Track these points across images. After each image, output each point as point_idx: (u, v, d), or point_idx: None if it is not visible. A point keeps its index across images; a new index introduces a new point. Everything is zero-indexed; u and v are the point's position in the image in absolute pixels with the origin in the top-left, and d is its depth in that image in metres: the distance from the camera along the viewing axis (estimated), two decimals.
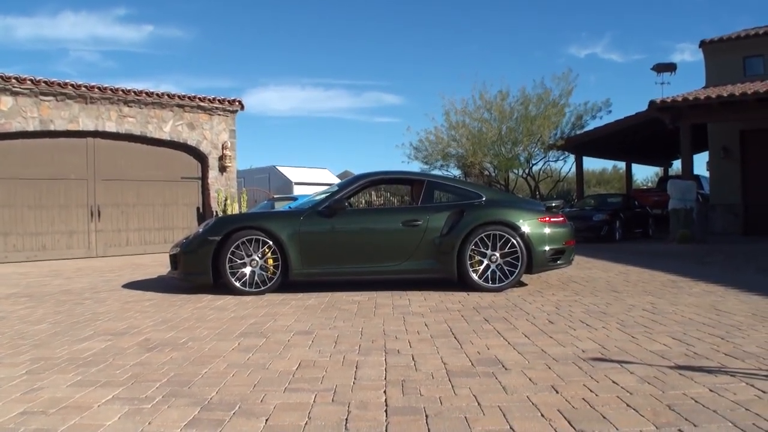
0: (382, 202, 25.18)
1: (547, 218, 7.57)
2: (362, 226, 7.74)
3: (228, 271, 7.32)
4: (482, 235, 7.32)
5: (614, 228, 16.91)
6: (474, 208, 7.53)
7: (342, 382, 3.62)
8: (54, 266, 12.18)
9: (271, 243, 7.38)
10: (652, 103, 16.10)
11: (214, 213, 16.41)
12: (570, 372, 3.74)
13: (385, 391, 3.41)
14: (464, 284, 7.42)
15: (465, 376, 3.70)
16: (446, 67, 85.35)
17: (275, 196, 21.27)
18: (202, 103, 16.64)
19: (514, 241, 7.31)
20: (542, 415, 2.98)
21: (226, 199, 16.70)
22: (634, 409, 3.04)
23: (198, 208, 16.78)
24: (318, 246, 7.49)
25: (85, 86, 14.46)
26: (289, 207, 9.65)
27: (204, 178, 16.92)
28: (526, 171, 25.19)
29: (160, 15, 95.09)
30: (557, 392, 3.34)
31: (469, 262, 7.30)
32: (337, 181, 26.28)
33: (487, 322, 5.41)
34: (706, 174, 21.05)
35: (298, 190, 25.91)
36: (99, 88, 14.67)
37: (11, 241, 13.54)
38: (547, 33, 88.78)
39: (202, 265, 7.45)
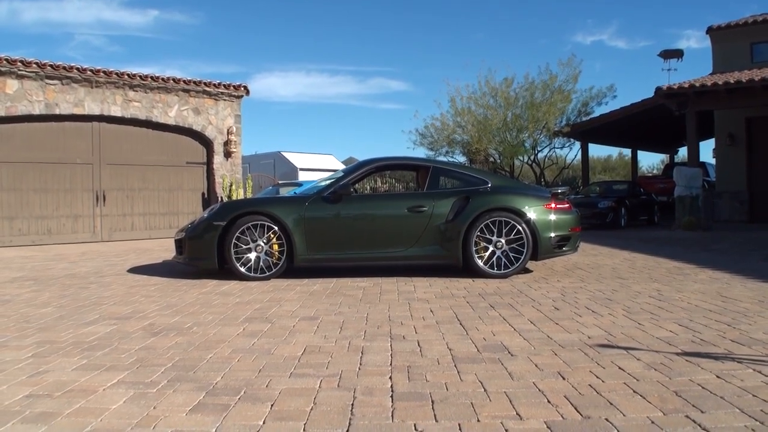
0: (387, 188, 25.16)
1: (553, 205, 7.54)
2: (367, 212, 7.72)
3: (233, 256, 7.32)
4: (488, 221, 7.30)
5: (620, 215, 16.89)
6: (479, 194, 7.50)
7: (347, 367, 3.61)
8: (59, 250, 12.20)
9: (276, 228, 7.37)
10: (658, 90, 16.03)
11: (219, 198, 16.43)
12: (576, 358, 3.73)
13: (390, 377, 3.41)
14: (469, 271, 7.41)
15: (471, 362, 3.69)
16: (452, 54, 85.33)
17: (280, 182, 21.31)
18: (207, 88, 16.61)
19: (520, 228, 7.29)
20: (549, 401, 2.97)
21: (231, 185, 16.71)
22: (640, 396, 3.03)
23: (203, 194, 16.78)
24: (323, 232, 7.48)
25: (91, 70, 14.43)
26: (295, 192, 9.64)
27: (209, 163, 16.91)
28: (532, 158, 25.16)
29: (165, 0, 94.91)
30: (563, 378, 3.33)
31: (474, 249, 7.28)
32: (342, 167, 26.25)
33: (493, 309, 5.40)
34: (713, 161, 20.98)
35: (303, 176, 25.91)
36: (104, 72, 14.65)
37: (16, 224, 13.57)
38: (553, 20, 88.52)
39: (207, 250, 7.44)
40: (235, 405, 2.99)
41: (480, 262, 7.30)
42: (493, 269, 7.30)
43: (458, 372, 3.48)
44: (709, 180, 20.38)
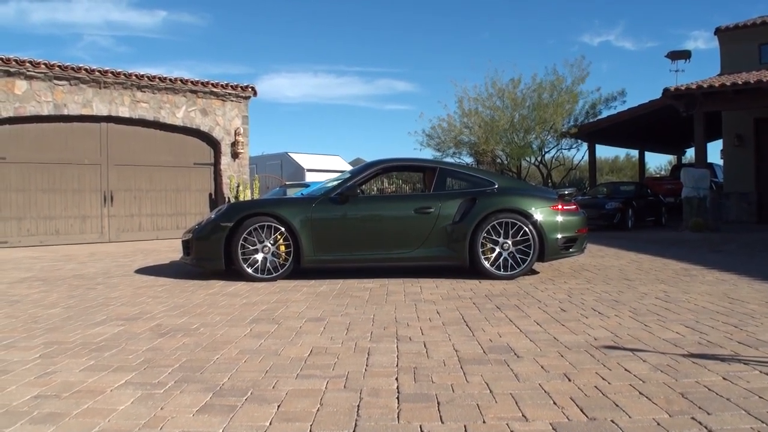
0: (394, 189, 25.16)
1: (560, 206, 7.54)
2: (374, 213, 7.73)
3: (240, 257, 7.34)
4: (494, 222, 7.29)
5: (627, 216, 16.85)
6: (486, 195, 7.50)
7: (354, 368, 3.62)
8: (67, 251, 12.25)
9: (283, 229, 7.38)
10: (666, 91, 15.99)
11: (227, 199, 16.44)
12: (582, 360, 3.73)
13: (396, 378, 3.41)
14: (476, 272, 7.40)
15: (477, 363, 3.70)
16: (458, 54, 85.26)
17: (287, 183, 21.31)
18: (215, 89, 16.64)
19: (527, 229, 7.28)
20: (554, 403, 2.98)
21: (238, 186, 16.72)
22: (646, 397, 3.03)
23: (210, 194, 16.81)
24: (330, 233, 7.49)
25: (99, 71, 14.48)
26: (302, 194, 9.65)
27: (216, 164, 16.93)
28: (539, 159, 25.11)
29: (173, 0, 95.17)
30: (569, 380, 3.33)
31: (481, 250, 7.28)
32: (349, 168, 26.25)
33: (499, 310, 5.40)
34: (720, 162, 20.91)
35: (310, 177, 25.91)
36: (112, 73, 14.69)
37: (25, 225, 13.62)
38: (560, 21, 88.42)
39: (214, 251, 7.46)
40: (242, 406, 3.00)
41: (486, 264, 7.30)
42: (500, 270, 7.30)
43: (464, 373, 3.49)
44: (716, 181, 20.31)
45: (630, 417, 2.78)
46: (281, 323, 4.96)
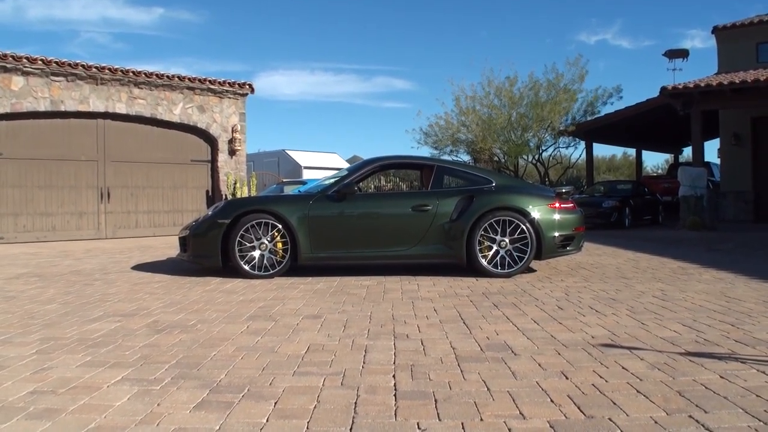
0: (391, 186, 25.14)
1: (557, 204, 7.53)
2: (371, 211, 7.72)
3: (237, 254, 7.33)
4: (492, 220, 7.29)
5: (624, 215, 16.88)
6: (484, 193, 7.49)
7: (351, 366, 3.61)
8: (63, 247, 12.22)
9: (280, 227, 7.37)
10: (663, 90, 16.00)
11: (224, 196, 16.43)
12: (580, 358, 3.73)
13: (394, 376, 3.41)
14: (473, 270, 7.40)
15: (474, 361, 3.69)
16: (456, 52, 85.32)
17: (284, 180, 21.27)
18: (212, 86, 16.61)
19: (524, 227, 7.28)
20: (552, 401, 2.97)
21: (235, 183, 16.71)
22: (644, 396, 3.03)
23: (207, 191, 16.79)
24: (327, 230, 7.48)
25: (96, 67, 14.45)
26: (299, 191, 9.64)
27: (213, 161, 16.92)
28: (536, 157, 25.10)
29: None
30: (567, 378, 3.33)
31: (478, 248, 7.27)
32: (346, 165, 26.23)
33: (496, 308, 5.40)
34: (717, 161, 20.94)
35: (307, 174, 25.89)
36: (109, 69, 14.66)
37: (21, 221, 13.60)
38: (558, 19, 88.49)
39: (211, 247, 7.45)
40: (239, 403, 2.99)
41: (484, 262, 7.29)
42: (497, 268, 7.29)
43: (461, 371, 3.48)
44: (713, 180, 20.33)
45: (627, 415, 2.78)
46: (278, 320, 4.95)
